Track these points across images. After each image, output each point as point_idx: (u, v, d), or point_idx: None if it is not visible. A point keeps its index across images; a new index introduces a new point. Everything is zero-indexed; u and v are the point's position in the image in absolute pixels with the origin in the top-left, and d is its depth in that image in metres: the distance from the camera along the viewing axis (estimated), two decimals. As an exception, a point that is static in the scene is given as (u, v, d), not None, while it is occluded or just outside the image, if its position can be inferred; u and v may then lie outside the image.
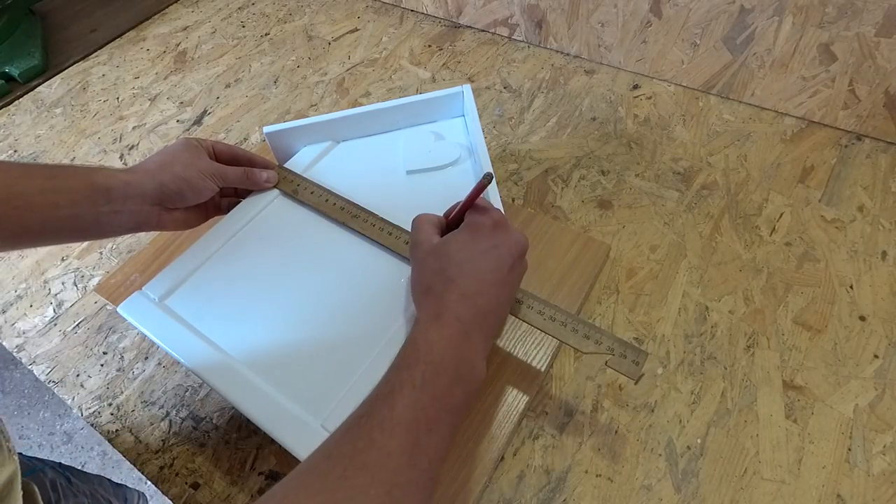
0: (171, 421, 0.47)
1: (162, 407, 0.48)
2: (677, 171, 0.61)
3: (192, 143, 0.46)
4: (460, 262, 0.35)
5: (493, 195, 0.44)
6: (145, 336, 0.52)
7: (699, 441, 0.43)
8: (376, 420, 0.28)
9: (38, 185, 0.38)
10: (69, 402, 0.49)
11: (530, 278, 0.50)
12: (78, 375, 0.51)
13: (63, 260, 0.60)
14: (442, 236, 0.39)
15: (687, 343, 0.48)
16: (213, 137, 0.71)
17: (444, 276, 0.34)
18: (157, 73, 0.83)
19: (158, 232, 0.53)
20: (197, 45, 0.87)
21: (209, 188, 0.45)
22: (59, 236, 0.40)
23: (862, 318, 0.48)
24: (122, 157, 0.71)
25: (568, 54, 0.77)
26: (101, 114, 0.77)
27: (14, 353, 0.53)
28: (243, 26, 0.90)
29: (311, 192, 0.49)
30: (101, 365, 0.51)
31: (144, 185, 0.42)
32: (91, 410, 0.48)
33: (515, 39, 0.80)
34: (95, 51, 0.88)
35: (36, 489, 0.47)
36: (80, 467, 0.76)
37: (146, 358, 0.51)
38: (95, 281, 0.58)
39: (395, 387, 0.30)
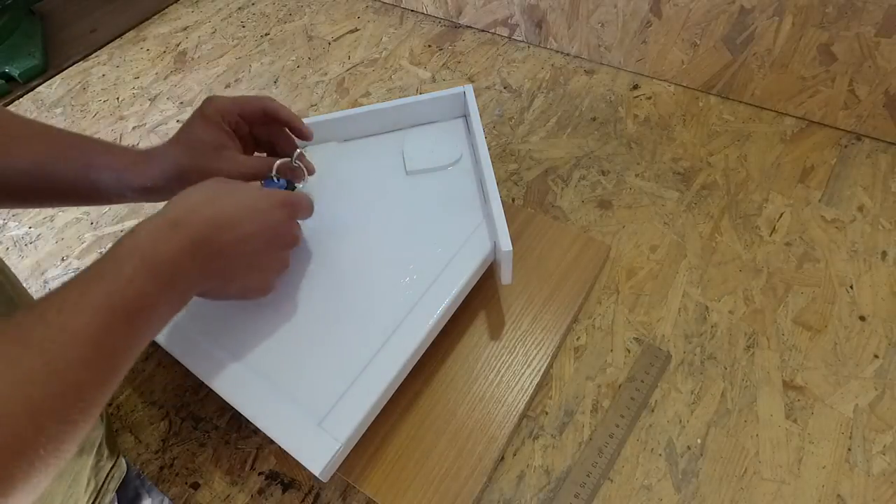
0: (171, 421, 0.47)
1: (162, 407, 0.48)
2: (677, 171, 0.61)
3: (195, 129, 0.41)
4: (239, 200, 0.35)
5: (493, 195, 0.44)
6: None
7: (699, 441, 0.43)
8: (57, 301, 0.26)
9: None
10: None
11: (530, 278, 0.50)
12: (78, 375, 0.51)
13: (63, 260, 0.60)
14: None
15: (687, 343, 0.48)
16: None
17: (214, 196, 0.34)
18: (157, 73, 0.83)
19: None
20: (197, 45, 0.87)
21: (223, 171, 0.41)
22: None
23: (862, 318, 0.48)
24: (122, 157, 0.71)
25: (568, 54, 0.77)
26: (101, 114, 0.77)
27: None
28: (243, 26, 0.90)
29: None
30: (101, 365, 0.51)
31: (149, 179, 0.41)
32: (91, 410, 0.48)
33: (515, 39, 0.80)
34: (95, 51, 0.89)
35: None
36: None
37: (146, 358, 0.51)
38: (95, 281, 0.58)
39: (97, 275, 0.28)
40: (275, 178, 0.43)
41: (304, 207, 0.40)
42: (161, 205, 0.35)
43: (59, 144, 0.39)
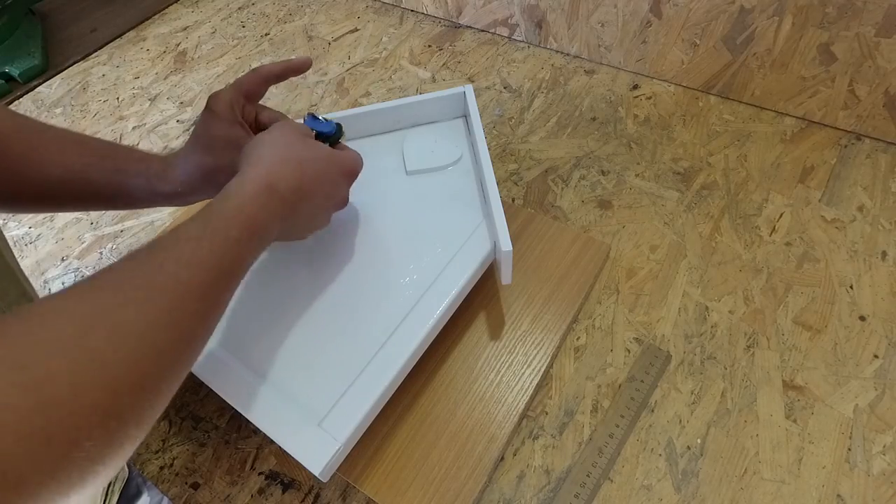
0: (170, 421, 0.47)
1: (162, 407, 0.48)
2: (677, 171, 0.61)
3: (211, 129, 0.41)
4: (317, 169, 0.37)
5: (493, 195, 0.44)
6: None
7: (699, 441, 0.43)
8: (174, 253, 0.28)
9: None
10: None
11: (530, 278, 0.50)
12: (78, 375, 0.51)
13: (63, 260, 0.60)
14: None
15: (687, 343, 0.48)
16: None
17: (299, 159, 0.36)
18: (157, 73, 0.83)
19: (159, 232, 0.53)
20: (197, 45, 0.87)
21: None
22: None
23: (862, 318, 0.48)
24: (122, 157, 0.71)
25: (568, 54, 0.77)
26: (101, 114, 0.77)
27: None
28: (243, 26, 0.90)
29: None
30: (101, 365, 0.51)
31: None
32: (91, 410, 0.48)
33: (515, 39, 0.80)
34: (95, 51, 0.88)
35: None
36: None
37: (146, 358, 0.51)
38: (95, 281, 0.58)
39: (209, 232, 0.30)
40: (322, 119, 0.44)
41: (357, 173, 0.43)
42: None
43: (93, 154, 0.40)
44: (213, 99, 0.42)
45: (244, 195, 0.33)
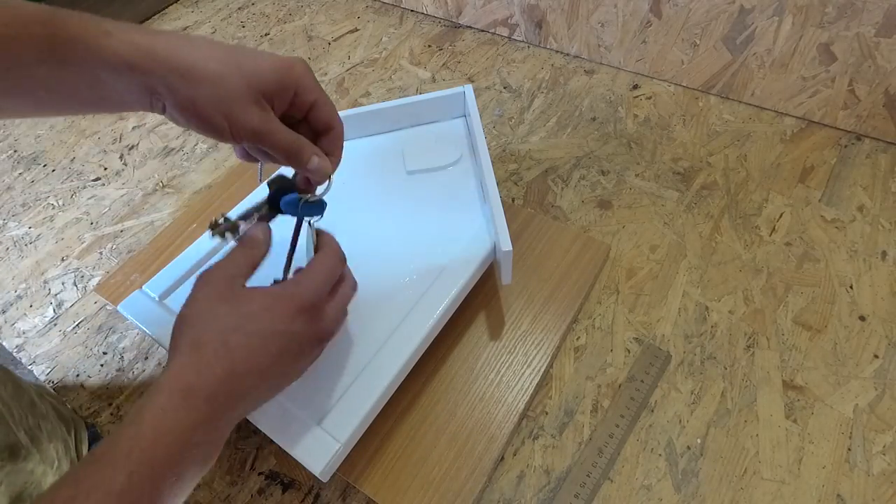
0: (171, 421, 0.47)
1: (162, 407, 0.48)
2: (677, 171, 0.61)
3: (266, 80, 0.31)
4: (250, 332, 0.29)
5: (493, 195, 0.44)
6: (145, 335, 0.52)
7: (699, 441, 0.43)
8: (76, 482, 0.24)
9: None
10: (69, 401, 0.49)
11: (530, 278, 0.50)
12: (78, 375, 0.51)
13: (63, 260, 0.60)
14: (243, 285, 0.32)
15: (687, 343, 0.48)
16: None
17: (223, 339, 0.29)
18: (157, 73, 0.83)
19: (159, 232, 0.53)
20: (197, 45, 0.87)
21: (221, 136, 0.32)
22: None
23: (862, 318, 0.48)
24: (121, 157, 0.71)
25: (568, 54, 0.77)
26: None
27: (14, 353, 0.53)
28: (243, 26, 0.90)
29: None
30: (101, 365, 0.51)
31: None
32: (91, 410, 0.48)
33: (515, 39, 0.80)
34: (95, 51, 0.88)
35: None
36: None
37: (146, 358, 0.51)
38: (95, 281, 0.58)
39: (82, 493, 0.24)
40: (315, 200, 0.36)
41: (320, 302, 0.33)
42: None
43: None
44: (301, 61, 0.33)
45: (152, 411, 0.26)
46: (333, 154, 0.37)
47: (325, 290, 0.33)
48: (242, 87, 0.31)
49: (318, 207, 0.37)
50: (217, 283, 0.31)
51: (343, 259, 0.36)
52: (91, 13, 0.30)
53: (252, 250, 0.33)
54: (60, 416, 0.44)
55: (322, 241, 0.36)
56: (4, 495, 0.35)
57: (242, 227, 0.35)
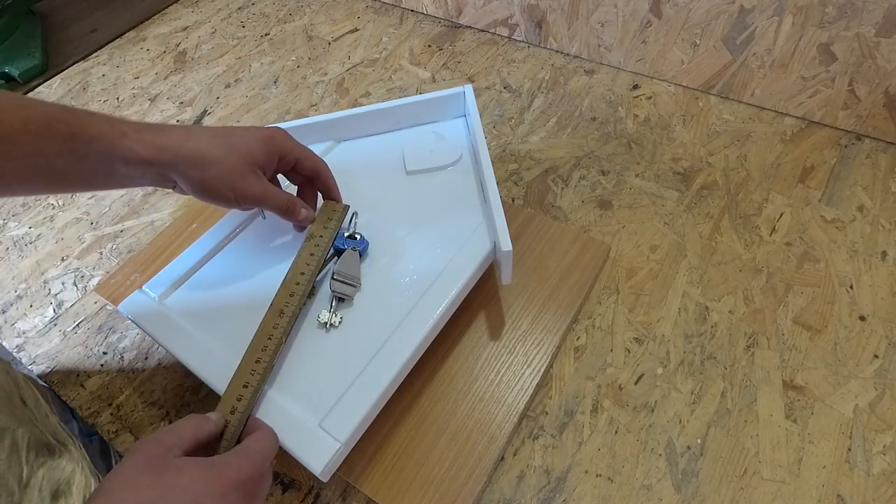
0: (170, 421, 0.47)
1: (162, 407, 0.48)
2: (677, 171, 0.61)
3: (256, 153, 0.38)
4: None
5: (493, 195, 0.44)
6: (145, 335, 0.52)
7: (699, 441, 0.43)
8: None
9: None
10: (69, 402, 0.49)
11: (530, 278, 0.50)
12: (78, 375, 0.51)
13: (63, 260, 0.60)
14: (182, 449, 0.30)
15: (687, 343, 0.48)
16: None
17: None
18: (157, 73, 0.83)
19: (159, 232, 0.53)
20: (197, 45, 0.87)
21: (229, 205, 0.39)
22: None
23: (862, 318, 0.48)
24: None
25: (568, 54, 0.77)
26: (101, 114, 0.77)
27: (14, 353, 0.53)
28: (243, 26, 0.90)
29: None
30: (101, 365, 0.51)
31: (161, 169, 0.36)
32: (91, 410, 0.48)
33: (515, 39, 0.80)
34: (95, 51, 0.88)
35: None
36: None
37: (146, 358, 0.51)
38: (95, 281, 0.58)
39: None
40: (357, 236, 0.46)
41: (260, 480, 0.31)
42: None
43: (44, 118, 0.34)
44: (278, 131, 0.40)
45: None
46: (331, 189, 0.45)
47: (265, 467, 0.31)
48: (240, 164, 0.38)
49: (359, 241, 0.46)
50: (150, 451, 0.29)
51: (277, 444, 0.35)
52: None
53: (201, 423, 0.32)
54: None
55: (256, 423, 0.35)
56: (46, 490, 0.36)
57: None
